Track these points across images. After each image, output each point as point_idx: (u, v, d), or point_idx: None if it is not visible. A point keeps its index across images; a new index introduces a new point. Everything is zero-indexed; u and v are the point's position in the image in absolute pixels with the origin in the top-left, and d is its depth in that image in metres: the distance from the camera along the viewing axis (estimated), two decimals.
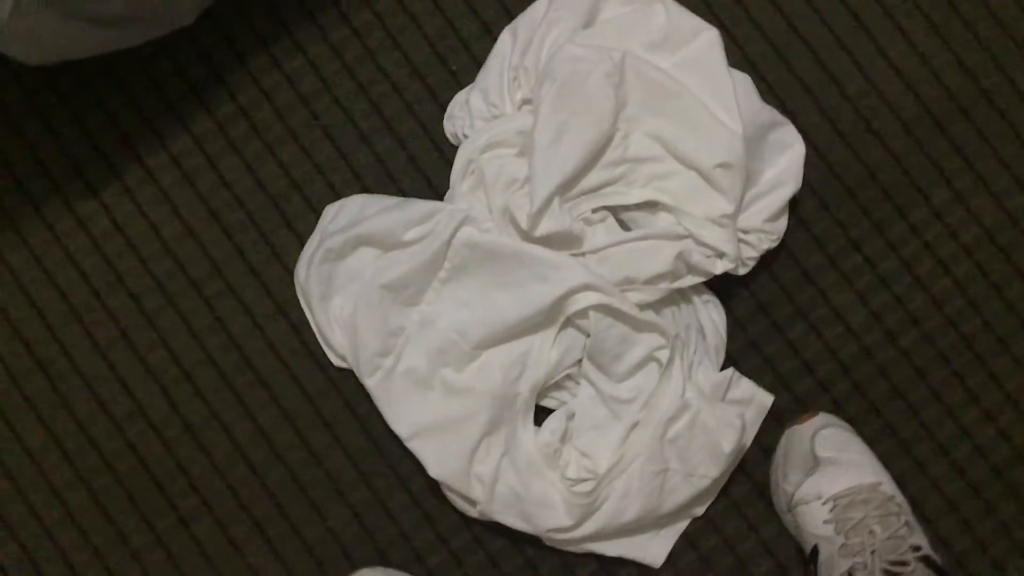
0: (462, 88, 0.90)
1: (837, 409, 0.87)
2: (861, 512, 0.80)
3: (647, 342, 0.84)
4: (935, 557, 0.80)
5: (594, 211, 0.86)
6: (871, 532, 0.79)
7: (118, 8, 0.78)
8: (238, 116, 0.90)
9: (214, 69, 0.90)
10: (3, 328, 0.88)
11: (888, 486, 0.82)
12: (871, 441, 0.86)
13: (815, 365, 0.88)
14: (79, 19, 0.76)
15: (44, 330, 0.88)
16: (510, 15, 0.89)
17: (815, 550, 0.81)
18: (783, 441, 0.86)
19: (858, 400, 0.88)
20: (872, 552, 0.78)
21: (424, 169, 0.90)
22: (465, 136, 0.88)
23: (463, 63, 0.90)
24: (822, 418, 0.85)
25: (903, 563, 0.78)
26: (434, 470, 0.84)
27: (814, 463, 0.82)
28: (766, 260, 0.87)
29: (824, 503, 0.80)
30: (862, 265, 0.89)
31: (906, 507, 0.82)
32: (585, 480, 0.84)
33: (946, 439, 0.88)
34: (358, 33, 0.90)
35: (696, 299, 0.87)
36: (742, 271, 0.86)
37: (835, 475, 0.81)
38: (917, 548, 0.79)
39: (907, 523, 0.80)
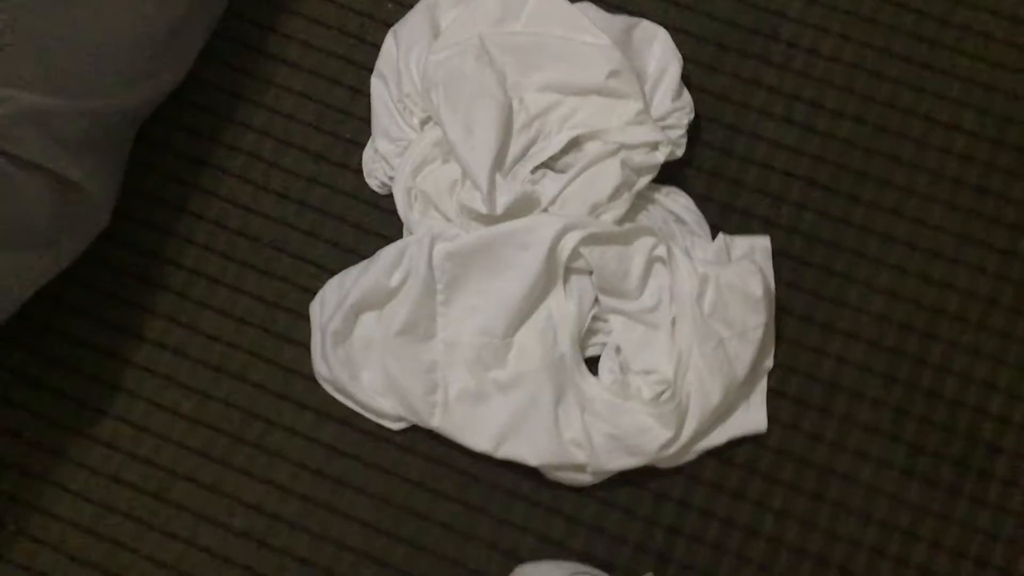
0: (363, 149, 0.95)
1: (821, 218, 0.93)
2: None
3: (642, 247, 0.89)
4: None
5: (532, 172, 0.91)
6: None
7: (42, 222, 0.81)
8: (192, 278, 0.93)
9: (147, 251, 0.94)
10: None
11: None
12: (863, 228, 0.92)
13: (784, 193, 0.94)
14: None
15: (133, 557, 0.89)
16: (369, 68, 0.96)
17: None
18: None
19: (835, 200, 0.93)
20: None
21: (373, 230, 0.94)
22: (390, 179, 0.93)
23: (354, 128, 0.96)
24: None
25: None
26: (534, 460, 0.86)
27: None
28: (693, 136, 0.93)
29: None
30: (769, 95, 0.96)
31: None
32: (662, 392, 0.87)
33: (926, 188, 0.93)
34: (252, 154, 0.95)
35: (658, 196, 0.92)
36: (680, 152, 0.92)
37: None
38: None
39: None
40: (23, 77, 0.75)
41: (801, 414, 0.90)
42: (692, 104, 0.93)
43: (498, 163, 0.88)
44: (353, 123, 0.96)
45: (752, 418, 0.89)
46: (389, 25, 0.96)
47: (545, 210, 0.89)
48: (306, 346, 0.91)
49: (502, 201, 0.87)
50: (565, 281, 0.89)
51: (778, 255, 0.92)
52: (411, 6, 0.96)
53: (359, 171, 0.95)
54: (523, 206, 0.88)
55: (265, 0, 0.98)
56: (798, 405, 0.90)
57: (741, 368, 0.87)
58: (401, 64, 0.93)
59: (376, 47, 0.96)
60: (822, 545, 0.87)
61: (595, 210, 0.89)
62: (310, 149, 0.96)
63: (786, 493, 0.88)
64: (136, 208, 0.94)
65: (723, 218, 0.93)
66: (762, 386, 0.90)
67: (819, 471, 0.88)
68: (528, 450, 0.87)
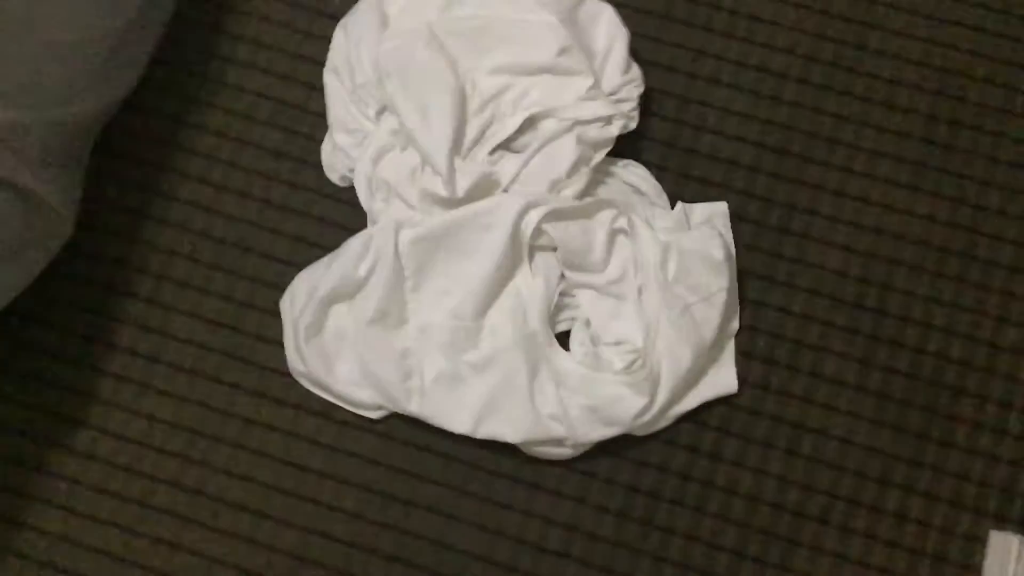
0: (322, 143, 0.96)
1: (775, 180, 0.95)
2: None
3: (604, 220, 0.90)
4: None
5: (490, 154, 0.92)
6: None
7: (7, 237, 0.81)
8: (160, 283, 0.93)
9: (112, 259, 0.94)
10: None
11: None
12: (816, 186, 0.95)
13: (737, 158, 0.96)
14: None
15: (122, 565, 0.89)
16: (321, 63, 0.96)
17: None
18: None
19: (787, 161, 0.95)
20: None
21: (338, 222, 0.94)
22: (351, 171, 0.93)
23: (310, 123, 0.96)
24: None
25: None
26: (513, 438, 0.88)
27: None
28: (645, 108, 0.95)
29: None
30: (716, 63, 0.97)
31: None
32: (634, 361, 0.89)
33: (873, 143, 0.96)
34: (210, 156, 0.96)
35: (615, 169, 0.94)
36: (633, 125, 0.93)
37: None
38: None
39: None
40: None
41: (770, 373, 0.92)
42: (642, 77, 0.94)
43: (456, 147, 0.89)
44: (309, 118, 0.97)
45: (723, 380, 0.91)
46: (337, 19, 0.97)
47: (505, 190, 0.90)
48: (279, 343, 0.92)
49: (462, 184, 0.88)
50: (531, 259, 0.90)
51: (736, 219, 0.94)
52: None
53: (319, 166, 0.95)
54: (483, 188, 0.90)
55: (212, 1, 0.99)
56: (766, 364, 0.92)
57: (708, 331, 0.89)
58: (353, 56, 0.93)
59: (326, 41, 0.97)
60: (799, 499, 0.89)
61: (554, 187, 0.90)
62: (268, 147, 0.96)
63: (761, 451, 0.90)
64: (98, 217, 0.94)
65: (680, 186, 0.95)
66: (730, 348, 0.92)
67: (791, 427, 0.91)
68: (507, 428, 0.88)
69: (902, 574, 0.88)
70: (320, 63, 0.96)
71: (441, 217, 0.89)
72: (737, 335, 0.92)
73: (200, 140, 0.96)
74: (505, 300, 0.90)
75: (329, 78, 0.95)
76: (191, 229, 0.94)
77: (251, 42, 0.98)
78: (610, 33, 0.95)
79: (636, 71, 0.94)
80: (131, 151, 0.96)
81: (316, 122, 0.96)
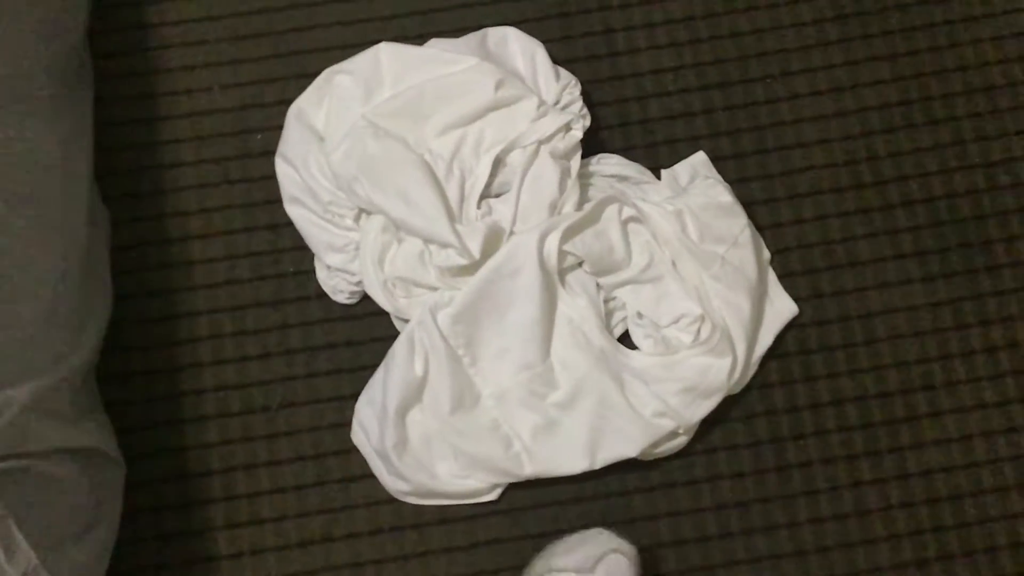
0: (314, 273, 0.94)
1: (731, 111, 0.98)
2: None
3: (612, 217, 0.91)
4: None
5: (479, 209, 0.92)
6: None
7: (85, 500, 0.77)
8: (230, 476, 0.90)
9: (169, 476, 0.90)
10: None
11: None
12: (769, 101, 0.98)
13: (688, 108, 0.98)
14: None
15: None
16: (272, 201, 0.94)
17: None
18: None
19: (733, 90, 0.98)
20: None
21: (366, 337, 0.93)
22: (357, 285, 0.92)
23: (291, 260, 0.94)
24: None
25: None
26: (632, 451, 0.88)
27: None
28: (587, 101, 0.95)
29: None
30: (628, 34, 1.00)
31: None
32: (699, 329, 0.90)
33: (795, 40, 0.99)
34: (215, 335, 0.92)
35: (591, 168, 0.95)
36: (588, 122, 0.94)
37: None
38: None
39: None
40: (11, 374, 0.71)
41: (816, 280, 0.94)
42: (573, 77, 0.95)
43: (450, 214, 0.89)
44: (287, 256, 0.95)
45: (782, 307, 0.93)
46: (267, 154, 0.95)
47: (512, 233, 0.90)
48: (369, 475, 0.90)
49: (474, 245, 0.88)
50: (564, 284, 0.90)
51: (716, 161, 0.96)
52: (277, 127, 0.95)
53: (321, 295, 0.93)
54: (492, 240, 0.89)
55: (142, 188, 0.96)
56: (808, 274, 0.94)
57: (750, 271, 0.91)
58: (308, 179, 0.91)
59: (267, 179, 0.95)
60: (899, 378, 0.92)
61: (554, 208, 0.90)
62: (264, 300, 0.94)
63: (845, 353, 0.93)
64: (135, 444, 0.90)
65: (654, 156, 0.97)
66: (772, 276, 0.94)
67: (860, 319, 0.93)
68: (623, 446, 0.88)
69: (1018, 399, 0.92)
70: (273, 201, 0.94)
71: (468, 285, 0.88)
72: (771, 262, 0.94)
73: (199, 324, 0.93)
74: (561, 332, 0.90)
75: (292, 208, 0.93)
76: (231, 412, 0.91)
77: (199, 213, 0.95)
78: (525, 50, 0.96)
79: (566, 74, 0.95)
80: (137, 366, 0.92)
81: (295, 257, 0.94)
